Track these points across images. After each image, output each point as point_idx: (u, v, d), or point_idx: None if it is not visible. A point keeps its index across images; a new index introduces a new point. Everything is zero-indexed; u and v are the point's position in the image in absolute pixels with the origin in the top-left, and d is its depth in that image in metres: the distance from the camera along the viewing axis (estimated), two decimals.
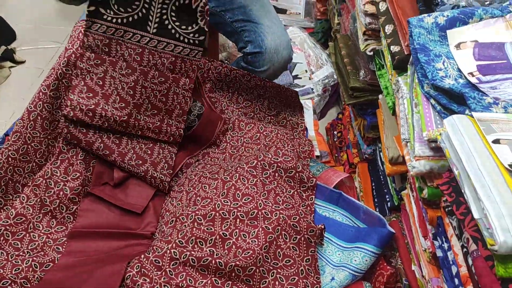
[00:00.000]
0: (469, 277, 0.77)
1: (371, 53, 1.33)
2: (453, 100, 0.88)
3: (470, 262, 0.74)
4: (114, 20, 1.31)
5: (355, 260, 1.14)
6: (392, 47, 1.10)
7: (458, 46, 0.95)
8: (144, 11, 1.31)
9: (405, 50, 1.06)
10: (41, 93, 1.32)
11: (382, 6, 1.20)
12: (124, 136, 1.37)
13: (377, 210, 1.40)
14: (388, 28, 1.15)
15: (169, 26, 1.33)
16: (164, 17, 1.32)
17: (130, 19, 1.32)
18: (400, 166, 1.20)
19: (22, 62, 2.20)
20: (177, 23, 1.33)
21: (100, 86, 1.32)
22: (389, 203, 1.36)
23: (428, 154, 0.88)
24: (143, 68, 1.33)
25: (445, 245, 0.86)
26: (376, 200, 1.44)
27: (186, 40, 1.35)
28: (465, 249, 0.76)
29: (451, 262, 0.84)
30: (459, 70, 0.91)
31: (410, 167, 0.90)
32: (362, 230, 1.22)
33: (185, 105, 1.39)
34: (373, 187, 1.47)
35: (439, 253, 0.89)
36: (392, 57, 1.10)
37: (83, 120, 1.31)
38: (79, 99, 1.31)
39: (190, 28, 1.34)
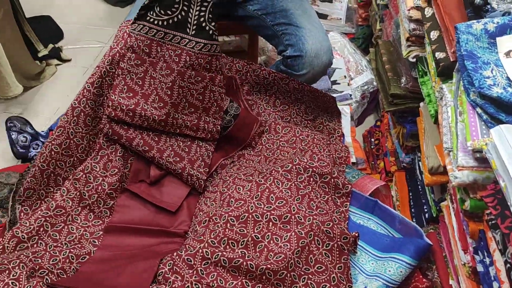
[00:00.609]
0: None
1: (414, 59, 1.29)
2: (501, 110, 0.84)
3: None
4: (155, 22, 1.34)
5: (389, 271, 1.12)
6: (437, 54, 1.07)
7: (508, 54, 0.92)
8: (183, 13, 1.34)
9: (451, 56, 1.03)
10: (85, 90, 1.36)
11: (428, 12, 1.17)
12: (163, 133, 1.39)
13: (414, 220, 1.36)
14: (434, 34, 1.12)
15: (207, 28, 1.36)
16: (202, 19, 1.35)
17: (171, 21, 1.35)
18: (440, 176, 1.16)
19: (68, 60, 2.27)
20: (213, 23, 1.36)
21: (140, 86, 1.35)
22: (427, 214, 1.32)
23: (472, 164, 0.84)
24: (180, 69, 1.35)
25: (487, 260, 0.83)
26: (413, 210, 1.40)
27: (217, 39, 1.38)
28: (508, 265, 0.73)
29: (492, 278, 0.80)
30: (508, 78, 0.87)
31: (452, 177, 0.87)
32: (398, 240, 1.19)
33: (221, 102, 1.41)
34: (410, 197, 1.43)
35: (479, 268, 0.85)
36: (437, 64, 1.07)
37: (124, 120, 1.34)
38: (119, 99, 1.34)
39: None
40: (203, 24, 1.36)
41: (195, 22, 1.35)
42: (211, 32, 1.36)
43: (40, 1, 2.59)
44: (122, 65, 1.34)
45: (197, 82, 1.38)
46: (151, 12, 1.35)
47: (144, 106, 1.34)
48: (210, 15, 1.35)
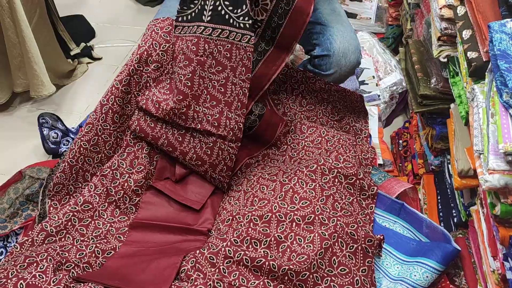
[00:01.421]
0: None
1: (445, 59, 1.26)
2: None
3: None
4: (180, 19, 1.35)
5: (415, 275, 1.09)
6: (469, 53, 1.04)
7: None
8: (202, 3, 1.30)
9: (484, 56, 1.00)
10: (113, 88, 1.38)
11: (461, 11, 1.14)
12: (187, 134, 1.38)
13: (442, 225, 1.33)
14: (466, 33, 1.09)
15: (223, 12, 1.28)
16: (218, 3, 1.28)
17: (189, 17, 1.33)
18: (470, 180, 1.13)
19: (99, 59, 2.32)
20: (230, 7, 1.27)
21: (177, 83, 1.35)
22: (455, 219, 1.29)
23: (503, 168, 0.82)
24: (200, 58, 1.31)
25: None
26: (441, 214, 1.36)
27: (237, 24, 1.28)
28: None
29: None
30: None
31: (482, 181, 0.84)
32: (425, 245, 1.16)
33: (243, 97, 1.31)
34: (439, 201, 1.40)
35: (509, 275, 0.82)
36: (469, 64, 1.04)
37: (150, 110, 1.35)
38: (156, 92, 1.34)
39: (239, 10, 1.27)
40: (219, 8, 1.28)
41: (211, 7, 1.29)
42: (227, 16, 1.28)
43: (73, 0, 2.65)
44: (175, 68, 1.35)
45: (218, 72, 1.31)
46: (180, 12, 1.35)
47: (169, 102, 1.35)
48: (226, 1, 1.27)
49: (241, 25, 1.27)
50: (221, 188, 1.41)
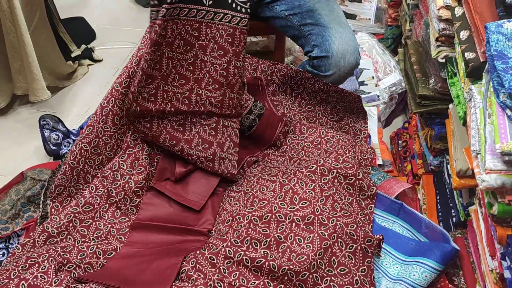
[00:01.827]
0: None
1: (443, 60, 1.27)
2: None
3: None
4: (169, 1, 1.29)
5: (414, 275, 1.10)
6: (466, 54, 1.05)
7: None
8: None
9: (481, 57, 1.00)
10: (113, 90, 1.39)
11: (458, 11, 1.15)
12: (187, 122, 1.38)
13: (441, 225, 1.33)
14: (463, 34, 1.09)
15: None
16: None
17: None
18: (469, 180, 1.14)
19: (100, 61, 2.33)
20: None
21: (158, 70, 1.32)
22: (454, 219, 1.29)
23: (500, 168, 0.82)
24: (201, 43, 1.32)
25: None
26: (440, 214, 1.37)
27: (243, 10, 1.32)
28: None
29: None
30: None
31: (480, 181, 0.85)
32: (424, 245, 1.17)
33: (244, 78, 1.39)
34: (438, 201, 1.40)
35: (507, 275, 0.83)
36: (466, 64, 1.04)
37: (147, 107, 1.32)
38: (139, 89, 1.31)
39: None
40: None
41: None
42: (230, 1, 1.30)
43: (73, 2, 2.66)
44: (173, 54, 1.33)
45: (220, 56, 1.34)
46: None
47: (165, 87, 1.33)
48: None
49: (247, 10, 1.32)
50: (230, 178, 1.39)
